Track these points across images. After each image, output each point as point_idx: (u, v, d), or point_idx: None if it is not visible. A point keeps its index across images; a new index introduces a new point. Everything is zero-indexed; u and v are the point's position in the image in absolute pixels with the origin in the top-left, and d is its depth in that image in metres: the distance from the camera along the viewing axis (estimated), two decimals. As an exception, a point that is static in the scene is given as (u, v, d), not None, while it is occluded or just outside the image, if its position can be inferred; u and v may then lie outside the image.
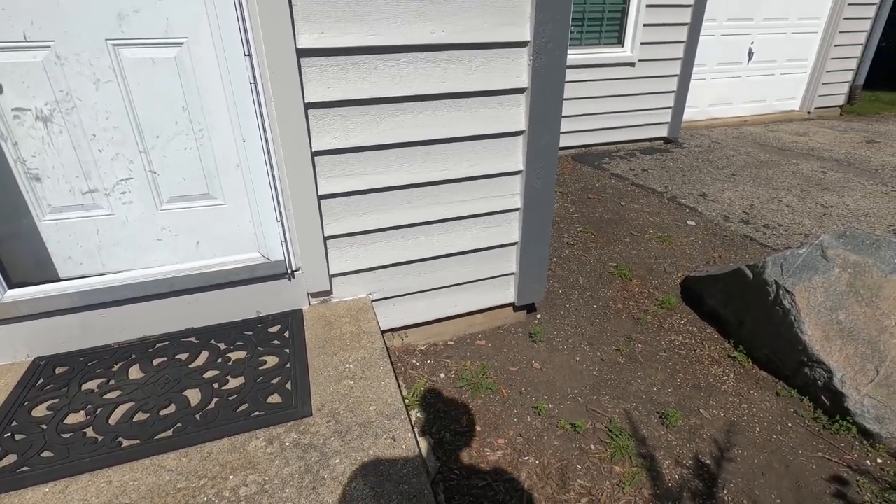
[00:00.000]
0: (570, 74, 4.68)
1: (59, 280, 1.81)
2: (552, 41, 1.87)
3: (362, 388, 1.61)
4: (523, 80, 1.93)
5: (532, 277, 2.36)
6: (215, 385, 1.62)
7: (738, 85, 6.46)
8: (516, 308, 2.49)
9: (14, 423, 1.47)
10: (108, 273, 1.81)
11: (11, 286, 1.65)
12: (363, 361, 1.73)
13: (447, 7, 1.72)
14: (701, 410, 2.01)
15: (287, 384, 1.62)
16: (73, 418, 1.49)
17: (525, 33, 1.86)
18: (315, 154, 1.78)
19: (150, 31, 1.59)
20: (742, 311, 2.33)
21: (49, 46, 1.54)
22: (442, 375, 2.19)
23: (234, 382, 1.63)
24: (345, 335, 1.86)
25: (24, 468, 1.33)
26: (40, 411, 1.52)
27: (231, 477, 1.30)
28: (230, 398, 1.56)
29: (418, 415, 1.98)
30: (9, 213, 1.71)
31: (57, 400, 1.56)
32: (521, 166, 2.09)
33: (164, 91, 1.67)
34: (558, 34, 1.87)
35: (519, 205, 2.17)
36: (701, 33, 5.02)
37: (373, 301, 2.13)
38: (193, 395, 1.58)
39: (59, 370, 1.68)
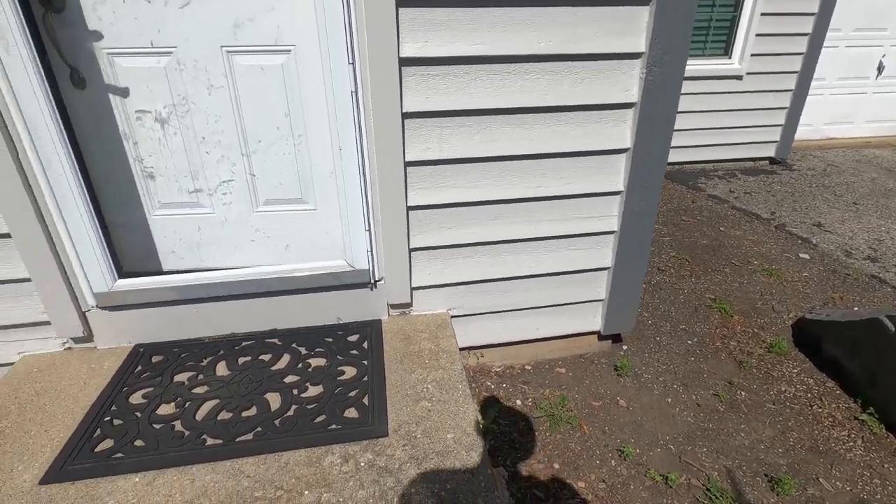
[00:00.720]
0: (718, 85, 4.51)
1: (161, 272, 1.91)
2: (669, 53, 1.71)
3: (440, 412, 1.54)
4: (633, 95, 1.78)
5: (622, 306, 2.18)
6: (295, 391, 1.61)
7: (863, 102, 5.75)
8: (601, 337, 2.32)
9: (114, 408, 1.55)
10: (205, 269, 1.88)
11: (121, 276, 1.76)
12: (442, 383, 1.66)
13: (560, 15, 1.62)
14: (821, 480, 1.74)
15: (364, 398, 1.58)
16: (165, 409, 1.55)
17: (640, 44, 1.71)
18: (408, 164, 1.74)
19: (262, 38, 1.62)
20: (876, 368, 2.00)
21: (171, 52, 1.62)
22: (518, 402, 2.08)
23: (312, 391, 1.62)
24: (423, 352, 1.80)
25: (119, 454, 1.38)
26: (136, 399, 1.59)
27: (306, 492, 1.28)
28: (308, 407, 1.55)
29: (492, 442, 1.88)
30: (125, 207, 1.83)
31: (151, 389, 1.62)
32: (621, 187, 1.93)
33: (269, 97, 1.71)
34: (678, 45, 1.70)
35: (615, 227, 2.01)
36: (823, 44, 4.52)
37: (451, 317, 2.06)
38: (274, 400, 1.58)
39: (155, 359, 1.76)
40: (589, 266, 2.08)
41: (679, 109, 4.49)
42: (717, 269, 3.08)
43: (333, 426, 1.48)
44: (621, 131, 1.84)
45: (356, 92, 1.59)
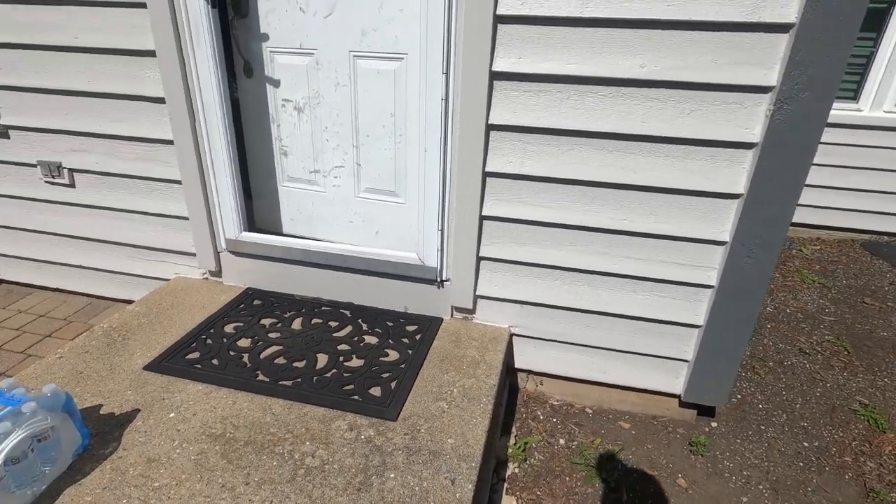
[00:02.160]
0: (872, 138, 3.53)
1: (281, 234, 2.29)
2: (811, 90, 1.44)
3: (452, 416, 1.55)
4: (754, 134, 1.54)
5: (711, 375, 1.88)
6: (340, 358, 1.79)
7: None
8: (683, 403, 2.02)
9: (211, 330, 1.93)
10: (312, 239, 2.20)
11: (247, 230, 2.16)
12: (467, 391, 1.67)
13: (668, 39, 1.49)
14: None
15: (392, 383, 1.68)
16: (243, 342, 1.87)
17: (771, 77, 1.47)
18: (487, 175, 1.78)
19: (382, 46, 1.84)
20: None
21: (313, 54, 1.94)
22: (561, 441, 1.95)
23: (355, 362, 1.78)
24: (465, 358, 1.83)
25: (198, 365, 1.73)
26: (229, 328, 1.95)
27: (307, 443, 1.43)
28: (344, 375, 1.71)
29: (516, 470, 1.81)
30: (265, 177, 2.24)
31: (241, 324, 1.97)
32: (726, 237, 1.68)
33: (381, 99, 1.92)
34: (823, 82, 1.42)
35: (713, 282, 1.75)
36: None
37: (513, 335, 2.03)
38: (322, 360, 1.79)
39: (255, 302, 2.13)
40: (673, 319, 1.84)
41: (891, 167, 3.46)
42: (887, 372, 2.40)
43: (356, 397, 1.61)
44: (733, 174, 1.60)
45: (446, 100, 1.70)
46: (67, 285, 2.55)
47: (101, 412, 1.51)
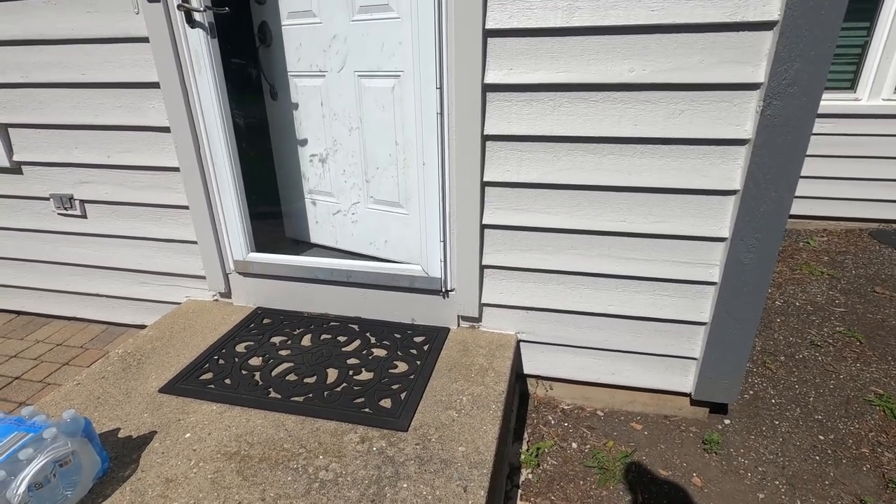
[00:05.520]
0: (872, 126, 3.52)
1: (309, 243, 2.48)
2: (797, 84, 1.46)
3: (462, 424, 1.57)
4: (745, 130, 1.56)
5: (720, 371, 1.88)
6: (350, 372, 1.82)
7: None
8: (694, 402, 2.02)
9: (223, 351, 1.96)
10: (332, 248, 2.41)
11: (253, 250, 2.21)
12: (477, 398, 1.68)
13: (654, 43, 1.53)
14: None
15: (402, 394, 1.70)
16: (254, 361, 1.90)
17: (758, 74, 1.49)
18: (485, 184, 1.82)
19: (380, 66, 1.91)
20: None
21: (324, 75, 2.05)
22: (574, 445, 1.95)
23: (364, 375, 1.81)
24: (474, 366, 1.85)
25: (211, 385, 1.76)
26: (240, 347, 1.98)
27: (321, 457, 1.45)
28: (355, 388, 1.74)
29: (529, 476, 1.82)
30: (293, 187, 2.30)
31: (252, 343, 2.01)
32: (725, 233, 1.69)
33: (382, 115, 2.00)
34: (809, 76, 1.44)
35: (715, 279, 1.76)
36: None
37: (520, 341, 2.05)
38: (332, 374, 1.81)
39: (265, 321, 2.17)
40: (678, 317, 1.85)
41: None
42: (902, 360, 2.38)
43: (367, 409, 1.64)
44: (728, 171, 1.62)
45: (441, 113, 1.74)
46: (83, 313, 2.61)
47: (119, 435, 1.54)
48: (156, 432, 1.55)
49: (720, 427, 2.02)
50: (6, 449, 1.21)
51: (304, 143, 2.30)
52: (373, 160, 2.13)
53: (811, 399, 2.17)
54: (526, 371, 2.13)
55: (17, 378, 2.27)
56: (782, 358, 2.42)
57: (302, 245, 2.58)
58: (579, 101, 1.65)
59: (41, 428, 1.27)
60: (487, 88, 1.68)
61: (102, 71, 2.01)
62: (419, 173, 1.87)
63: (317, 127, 2.23)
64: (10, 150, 2.28)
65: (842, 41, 3.48)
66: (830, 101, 3.42)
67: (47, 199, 2.34)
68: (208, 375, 1.82)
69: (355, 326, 2.11)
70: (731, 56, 1.50)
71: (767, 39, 1.46)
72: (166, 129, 2.03)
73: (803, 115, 1.48)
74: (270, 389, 1.74)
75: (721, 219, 1.68)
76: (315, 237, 2.53)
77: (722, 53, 1.50)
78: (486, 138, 1.75)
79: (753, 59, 1.49)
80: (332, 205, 2.39)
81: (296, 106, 2.25)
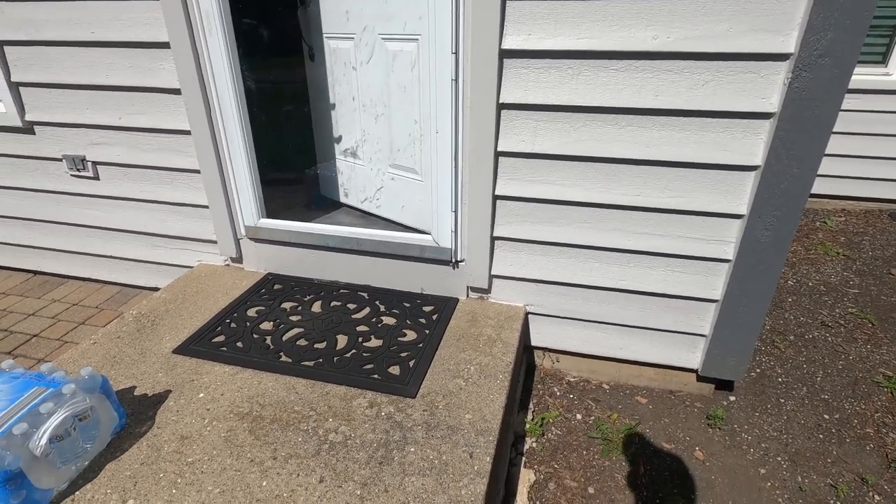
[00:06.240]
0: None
1: (338, 202, 2.61)
2: (829, 56, 1.39)
3: (469, 393, 1.59)
4: (771, 104, 1.51)
5: (729, 349, 1.88)
6: (360, 339, 1.84)
7: None
8: (700, 378, 2.03)
9: (235, 315, 1.99)
10: (355, 208, 2.48)
11: (264, 216, 2.21)
12: (484, 368, 1.70)
13: (682, 9, 1.46)
14: None
15: (411, 361, 1.73)
16: (265, 325, 1.93)
17: (788, 43, 1.43)
18: (499, 154, 1.78)
19: (400, 28, 1.89)
20: None
21: (353, 38, 2.17)
22: (578, 416, 1.98)
23: (374, 342, 1.83)
24: (482, 336, 1.86)
25: (224, 348, 1.80)
26: (251, 312, 2.01)
27: (330, 419, 1.49)
28: (364, 355, 1.76)
29: (533, 445, 1.85)
30: (326, 145, 2.28)
31: (263, 307, 2.03)
32: (743, 210, 1.66)
33: (402, 74, 2.01)
34: (843, 47, 1.38)
35: (729, 256, 1.73)
36: None
37: (528, 313, 2.06)
38: (341, 341, 1.84)
39: (276, 286, 2.19)
40: (689, 294, 1.84)
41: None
42: (914, 343, 2.36)
43: (375, 376, 1.66)
44: (750, 145, 1.58)
45: (456, 80, 1.70)
46: (98, 274, 2.65)
47: (136, 393, 1.59)
48: (170, 391, 1.59)
49: (725, 403, 2.04)
50: (28, 403, 1.25)
51: (334, 107, 2.42)
52: (398, 136, 2.18)
53: (818, 379, 2.17)
54: (533, 343, 2.14)
55: (35, 336, 2.33)
56: (791, 337, 2.41)
57: (327, 206, 2.68)
58: (600, 70, 1.60)
59: (60, 384, 1.31)
60: (504, 54, 1.63)
61: (113, 29, 1.97)
62: (433, 141, 1.84)
63: (346, 93, 2.33)
64: (22, 110, 2.27)
65: (876, 12, 3.30)
66: (859, 76, 3.28)
67: (60, 160, 2.34)
68: (221, 338, 1.85)
69: (365, 294, 2.13)
70: (761, 24, 1.43)
71: (801, 7, 1.39)
72: (177, 91, 2.01)
73: (833, 88, 1.43)
74: (281, 353, 1.77)
75: (739, 195, 1.65)
76: (343, 197, 2.66)
77: (752, 21, 1.43)
78: (501, 106, 1.71)
79: (784, 28, 1.42)
80: (360, 167, 2.46)
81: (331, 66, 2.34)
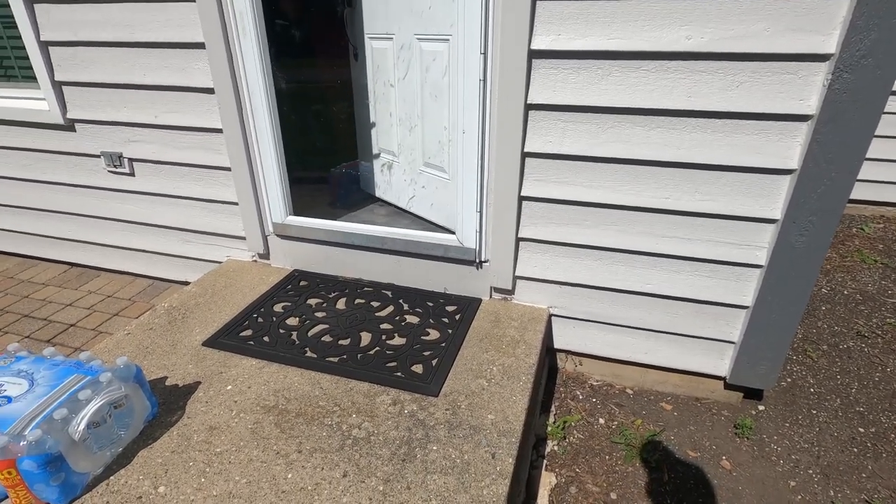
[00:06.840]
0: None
1: (373, 196, 2.71)
2: (872, 56, 1.35)
3: (492, 393, 1.59)
4: (809, 106, 1.46)
5: (759, 357, 1.83)
6: (383, 337, 1.86)
7: None
8: (728, 386, 1.98)
9: (262, 310, 2.03)
10: (390, 203, 2.57)
11: (291, 213, 2.25)
12: (507, 369, 1.70)
13: (717, 9, 1.43)
14: None
15: (433, 360, 1.73)
16: (291, 321, 1.96)
17: (829, 44, 1.39)
18: (526, 155, 1.78)
19: (438, 29, 1.93)
20: None
21: (392, 38, 2.23)
22: (601, 421, 1.96)
23: (397, 340, 1.84)
24: (505, 337, 1.86)
25: (251, 342, 1.83)
26: (278, 307, 2.05)
27: (354, 416, 1.50)
28: (387, 352, 1.78)
29: (555, 448, 1.84)
30: (365, 140, 2.32)
31: (289, 303, 2.07)
32: (777, 214, 1.61)
33: (434, 76, 2.04)
34: (887, 48, 1.33)
35: (762, 262, 1.69)
36: None
37: (552, 315, 2.04)
38: (365, 338, 1.86)
39: (302, 283, 2.22)
40: (719, 299, 1.80)
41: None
42: (957, 356, 2.26)
43: (399, 374, 1.67)
44: (785, 149, 1.53)
45: (484, 80, 1.70)
46: (131, 268, 2.74)
47: (167, 384, 1.63)
48: (200, 383, 1.64)
49: (754, 413, 1.99)
50: (68, 389, 1.30)
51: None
52: (431, 132, 2.22)
53: (853, 390, 2.09)
54: (556, 345, 2.13)
55: (72, 325, 2.42)
56: (825, 347, 2.34)
57: (351, 205, 2.77)
58: (630, 71, 1.58)
59: (98, 372, 1.35)
60: (533, 55, 1.63)
61: (150, 31, 2.04)
62: (460, 141, 1.84)
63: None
64: (64, 108, 2.36)
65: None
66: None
67: (98, 156, 2.43)
68: (248, 332, 1.89)
69: (388, 293, 2.14)
70: (800, 24, 1.39)
71: (843, 5, 1.35)
72: (210, 91, 2.06)
73: (876, 90, 1.38)
74: (306, 349, 1.80)
75: (774, 199, 1.61)
76: (379, 192, 2.78)
77: (791, 21, 1.40)
78: (528, 107, 1.70)
79: (825, 28, 1.38)
80: (397, 164, 2.54)
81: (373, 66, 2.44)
